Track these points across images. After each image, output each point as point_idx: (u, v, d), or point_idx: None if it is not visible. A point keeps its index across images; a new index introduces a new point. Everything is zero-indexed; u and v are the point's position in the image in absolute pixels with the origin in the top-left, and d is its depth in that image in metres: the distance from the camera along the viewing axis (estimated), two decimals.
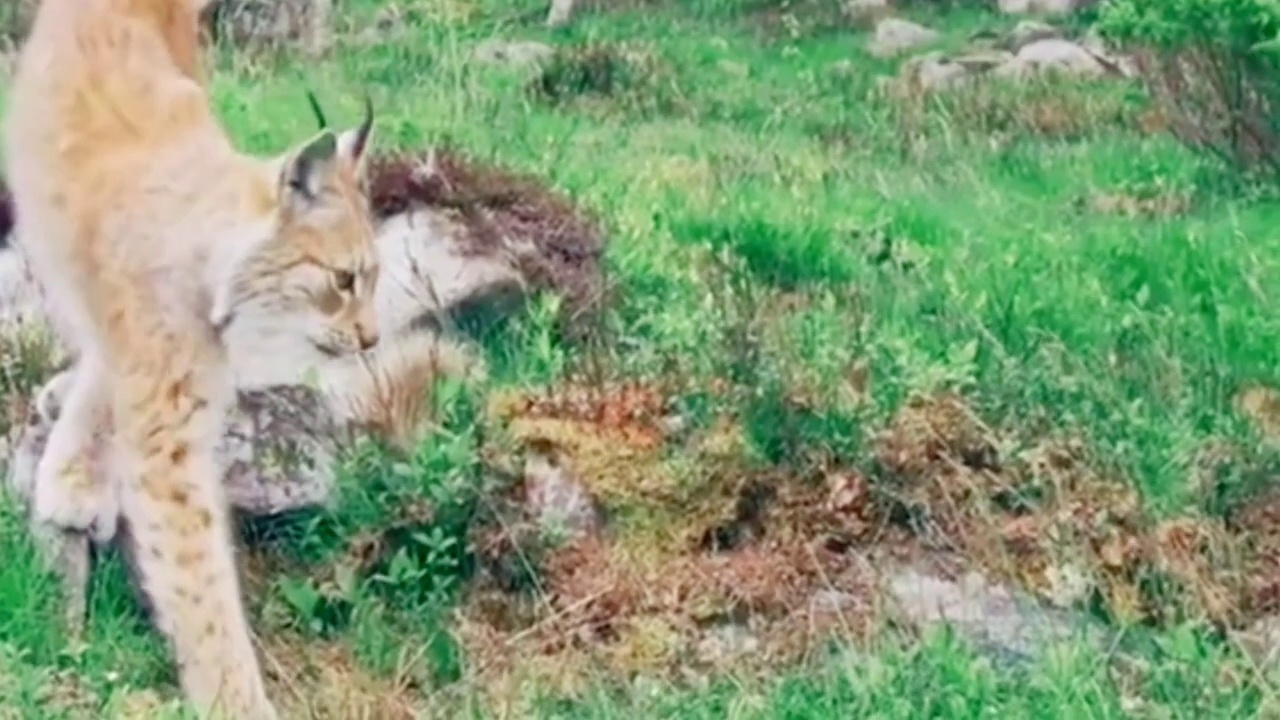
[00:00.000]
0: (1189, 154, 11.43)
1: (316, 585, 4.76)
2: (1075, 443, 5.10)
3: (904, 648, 4.47)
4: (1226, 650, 4.52)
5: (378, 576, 4.76)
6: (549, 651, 4.64)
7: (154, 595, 4.25)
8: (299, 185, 4.11)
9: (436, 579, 4.75)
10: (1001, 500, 4.95)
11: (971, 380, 5.26)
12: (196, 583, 4.18)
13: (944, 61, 14.52)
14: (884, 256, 7.58)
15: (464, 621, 4.73)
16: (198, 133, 4.36)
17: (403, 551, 4.78)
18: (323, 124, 4.22)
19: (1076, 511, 4.89)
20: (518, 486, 4.96)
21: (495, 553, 4.83)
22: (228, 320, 4.15)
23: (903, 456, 4.95)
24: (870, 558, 4.84)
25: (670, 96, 12.38)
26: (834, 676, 4.41)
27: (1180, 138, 11.60)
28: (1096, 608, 4.76)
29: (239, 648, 4.20)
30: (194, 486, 4.20)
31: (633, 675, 4.52)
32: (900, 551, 4.89)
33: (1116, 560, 4.82)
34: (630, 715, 4.13)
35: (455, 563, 4.78)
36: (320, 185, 4.12)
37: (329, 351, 4.21)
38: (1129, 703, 4.43)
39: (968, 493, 4.91)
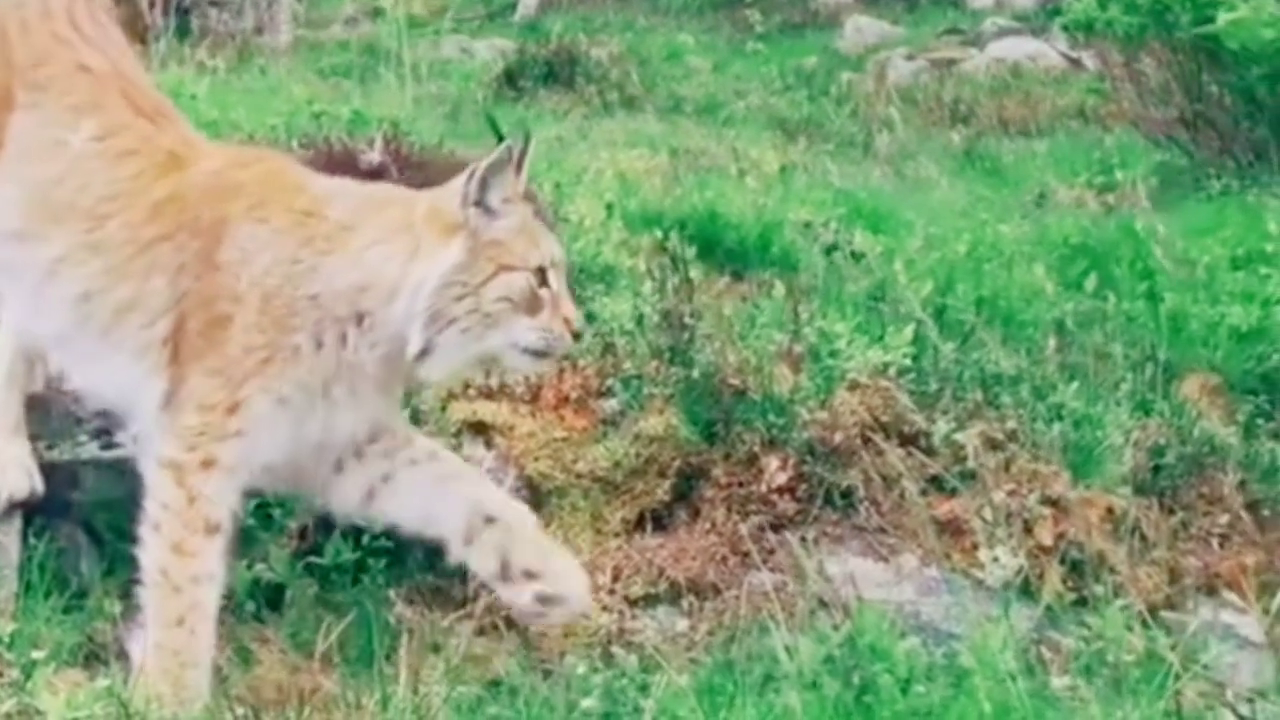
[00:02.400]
0: (1150, 148, 11.46)
1: (250, 567, 4.76)
2: (1011, 425, 5.14)
3: (835, 628, 4.50)
4: (1150, 629, 4.55)
5: (312, 559, 4.77)
6: (482, 632, 4.66)
7: (143, 566, 4.24)
8: (480, 203, 4.18)
9: (371, 561, 4.76)
10: (935, 482, 4.97)
11: (908, 363, 5.29)
12: (181, 575, 4.19)
13: (910, 58, 14.55)
14: (836, 247, 7.59)
15: (398, 603, 4.74)
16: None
17: (337, 534, 4.79)
18: (500, 139, 4.29)
19: (1010, 493, 4.93)
20: None
21: None
22: (424, 353, 4.18)
23: (837, 438, 4.98)
24: (803, 539, 4.86)
25: (633, 91, 12.39)
26: (764, 656, 4.43)
27: (1141, 132, 11.63)
28: (1028, 588, 4.79)
29: (202, 647, 4.21)
30: (207, 498, 4.21)
31: (562, 655, 4.53)
32: (834, 532, 4.92)
33: (1048, 541, 4.86)
34: (556, 694, 4.13)
35: (390, 545, 4.79)
36: (500, 198, 4.19)
37: (543, 354, 4.24)
38: (1057, 681, 4.45)
39: (901, 474, 4.93)
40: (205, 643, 4.21)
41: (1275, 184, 10.29)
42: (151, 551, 4.22)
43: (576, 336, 4.28)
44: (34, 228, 4.41)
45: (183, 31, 13.19)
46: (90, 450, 4.90)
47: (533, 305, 4.17)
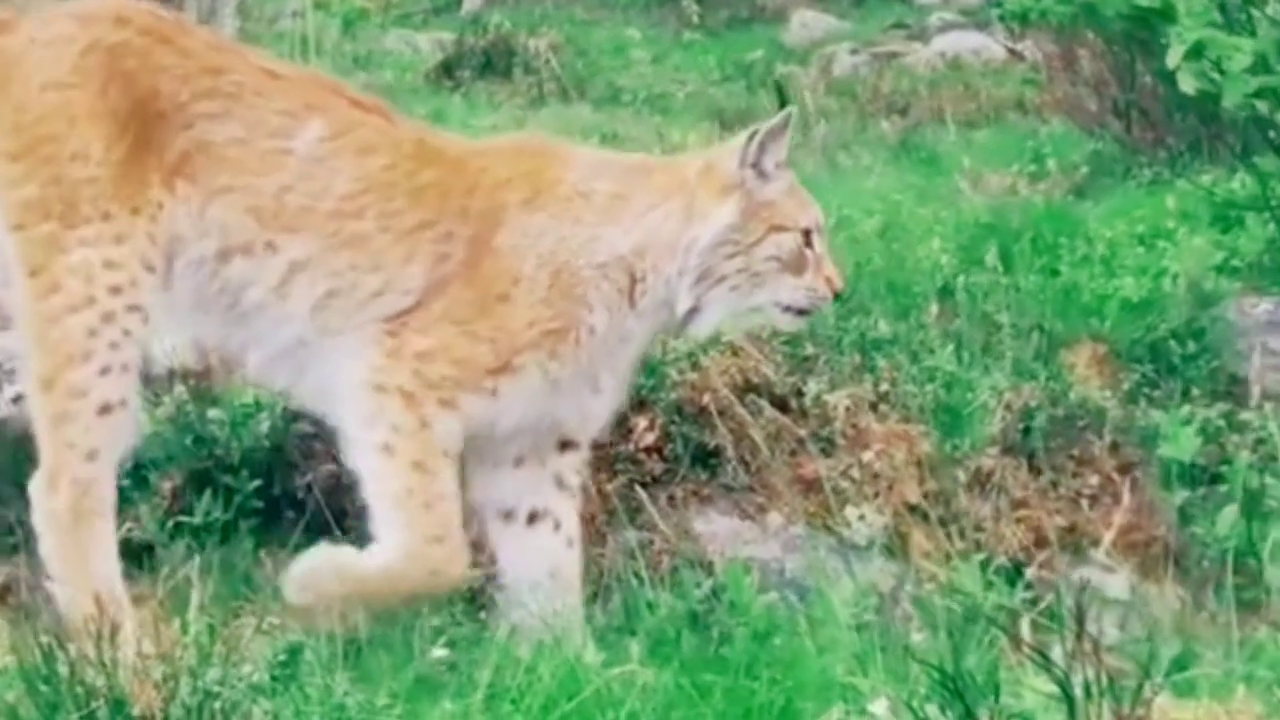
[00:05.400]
0: (1084, 137, 11.51)
1: (120, 525, 4.77)
2: (884, 387, 5.19)
3: (698, 584, 4.54)
4: (1014, 584, 4.61)
5: (183, 518, 4.80)
6: None
7: (380, 494, 4.26)
8: (756, 165, 4.36)
9: (242, 522, 4.79)
10: (804, 443, 5.02)
11: None
12: (428, 491, 4.23)
13: (855, 52, 14.58)
14: None
15: (269, 563, 4.77)
16: None
17: (208, 494, 4.83)
18: (782, 105, 4.51)
19: (878, 453, 4.98)
20: (325, 431, 4.99)
21: (301, 495, 4.89)
22: (694, 310, 4.36)
23: (705, 399, 5.02)
24: (671, 497, 4.91)
25: (570, 82, 12.44)
26: (623, 611, 4.48)
27: (1076, 121, 11.68)
28: (892, 546, 4.84)
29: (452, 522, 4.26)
30: (440, 430, 4.24)
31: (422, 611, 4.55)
32: (701, 491, 4.97)
33: (914, 499, 4.91)
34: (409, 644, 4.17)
35: (261, 505, 4.84)
36: (774, 162, 4.39)
37: (805, 312, 4.46)
38: (917, 635, 4.50)
39: (770, 434, 4.98)
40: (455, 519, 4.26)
41: (1205, 172, 10.36)
42: (389, 475, 4.24)
43: (837, 295, 4.50)
44: (265, 238, 4.33)
45: None
46: None
47: (799, 265, 4.38)
